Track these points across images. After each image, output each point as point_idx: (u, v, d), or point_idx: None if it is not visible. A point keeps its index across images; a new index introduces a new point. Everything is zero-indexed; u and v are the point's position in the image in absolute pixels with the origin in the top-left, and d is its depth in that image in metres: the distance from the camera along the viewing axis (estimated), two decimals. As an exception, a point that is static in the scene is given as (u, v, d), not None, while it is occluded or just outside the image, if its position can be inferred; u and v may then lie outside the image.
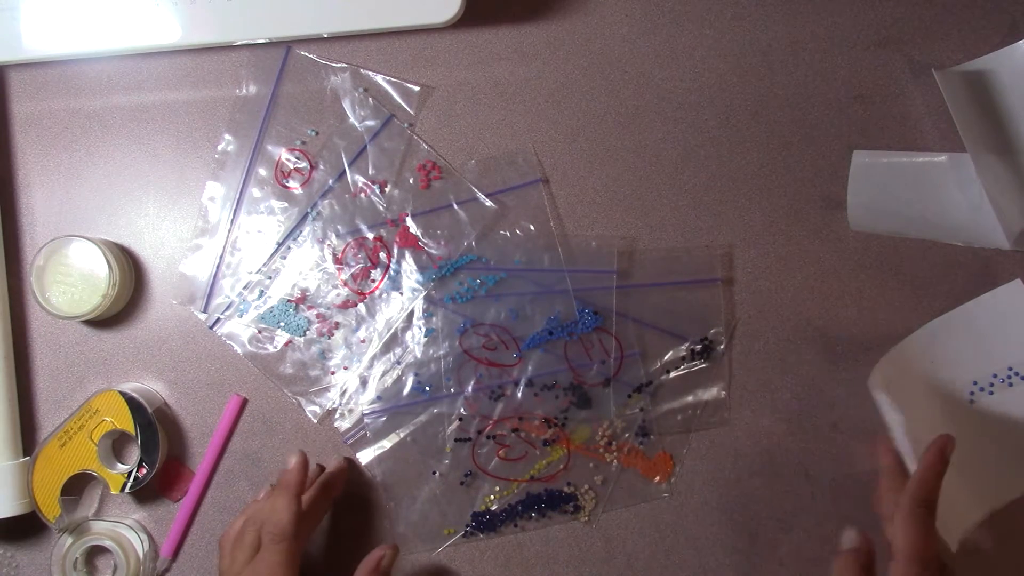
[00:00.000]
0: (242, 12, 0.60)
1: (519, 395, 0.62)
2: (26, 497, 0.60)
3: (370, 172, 0.63)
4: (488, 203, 0.62)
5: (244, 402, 0.63)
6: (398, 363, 0.62)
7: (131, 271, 0.63)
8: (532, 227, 0.62)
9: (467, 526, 0.62)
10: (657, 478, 0.62)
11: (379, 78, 0.63)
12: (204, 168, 0.64)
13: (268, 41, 0.62)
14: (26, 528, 0.63)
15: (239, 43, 0.62)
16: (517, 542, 0.62)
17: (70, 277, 0.61)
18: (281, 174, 0.63)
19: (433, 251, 0.62)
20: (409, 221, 0.62)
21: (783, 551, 0.61)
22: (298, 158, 0.63)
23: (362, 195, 0.63)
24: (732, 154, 0.63)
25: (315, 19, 0.60)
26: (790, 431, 0.62)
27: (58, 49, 0.61)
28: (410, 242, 0.62)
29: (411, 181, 0.63)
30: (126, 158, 0.64)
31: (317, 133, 0.63)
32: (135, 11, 0.60)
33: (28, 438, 0.63)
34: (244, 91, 0.64)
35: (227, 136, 0.63)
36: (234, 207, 0.63)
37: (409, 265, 0.62)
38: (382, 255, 0.62)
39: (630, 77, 0.64)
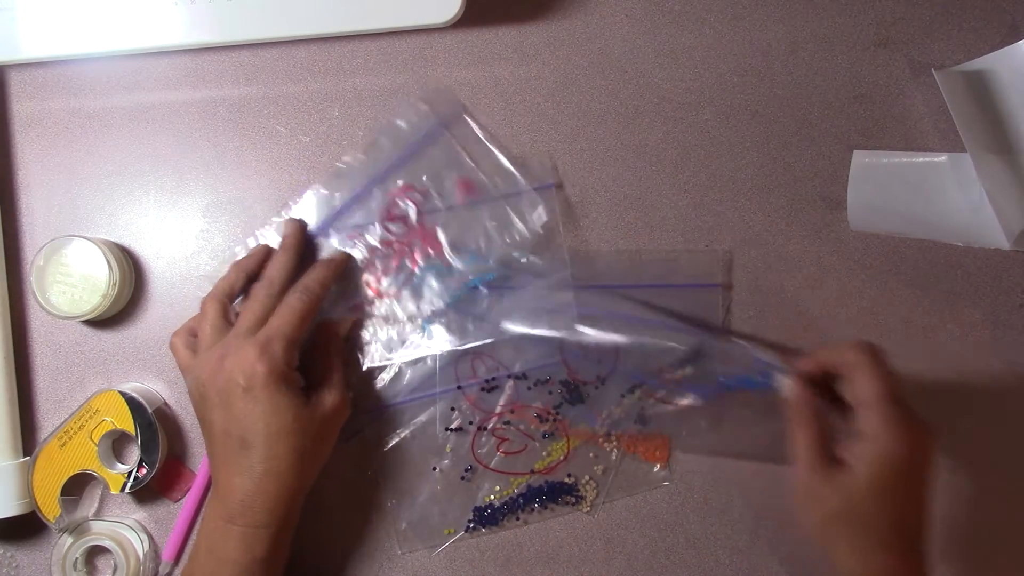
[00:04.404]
0: (242, 12, 0.60)
1: (515, 389, 0.62)
2: (26, 497, 0.60)
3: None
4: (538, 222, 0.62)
5: (244, 402, 0.63)
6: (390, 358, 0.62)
7: (131, 271, 0.63)
8: (541, 231, 0.62)
9: (469, 521, 0.62)
10: (657, 466, 0.62)
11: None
12: (204, 168, 0.64)
13: (268, 41, 0.62)
14: (26, 528, 0.63)
15: (239, 43, 0.62)
16: (517, 542, 0.62)
17: (70, 277, 0.61)
18: (388, 214, 0.62)
19: (458, 266, 0.61)
20: (440, 233, 0.62)
21: (783, 551, 0.61)
22: (407, 204, 0.62)
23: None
24: (732, 154, 0.63)
25: (315, 19, 0.60)
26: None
27: (58, 49, 0.61)
28: (434, 248, 0.62)
29: (452, 193, 0.62)
30: (126, 158, 0.64)
31: (440, 196, 0.62)
32: (135, 11, 0.60)
33: (28, 438, 0.63)
34: (399, 123, 0.62)
35: (360, 156, 0.62)
36: (324, 221, 0.62)
37: (430, 276, 0.62)
38: (406, 261, 0.62)
39: (630, 77, 0.64)
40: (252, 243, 0.63)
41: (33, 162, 0.64)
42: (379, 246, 0.62)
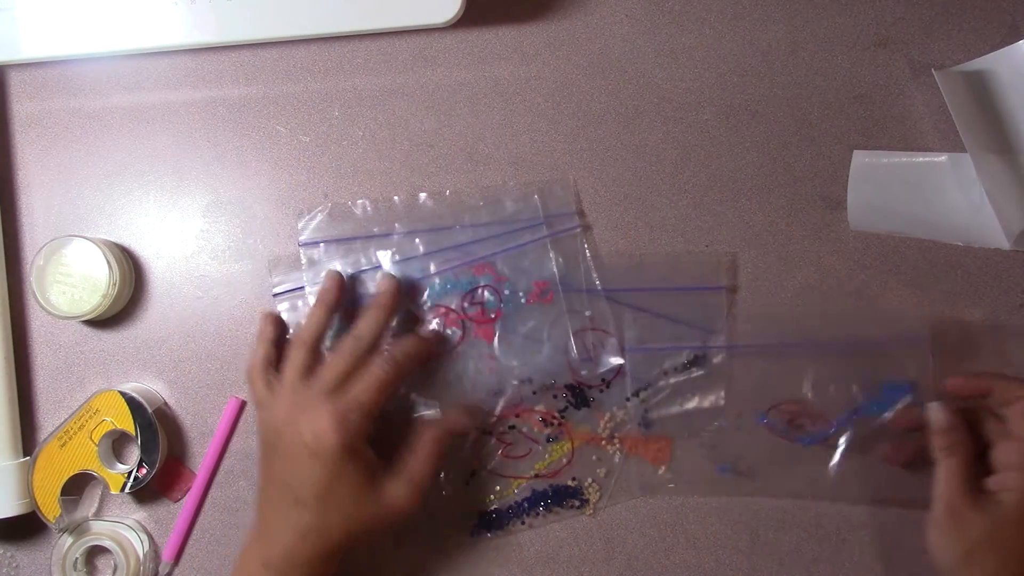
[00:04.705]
0: (242, 12, 0.60)
1: (519, 393, 0.62)
2: (26, 497, 0.60)
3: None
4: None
5: (243, 404, 0.63)
6: None
7: (131, 271, 0.63)
8: (562, 259, 0.62)
9: (474, 525, 0.62)
10: (662, 468, 0.62)
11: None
12: (204, 168, 0.64)
13: (268, 41, 0.62)
14: (26, 528, 0.63)
15: (239, 43, 0.62)
16: (516, 542, 0.62)
17: (70, 277, 0.61)
18: (468, 293, 0.62)
19: (501, 363, 0.61)
20: (496, 329, 0.62)
21: (783, 551, 0.61)
22: (485, 291, 0.62)
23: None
24: (732, 154, 0.63)
25: (315, 19, 0.60)
26: (790, 431, 0.62)
27: (58, 49, 0.61)
28: (486, 338, 0.62)
29: (527, 290, 0.62)
30: (126, 158, 0.64)
31: (512, 289, 0.62)
32: (135, 11, 0.60)
33: (28, 438, 0.63)
34: (506, 202, 0.62)
35: (447, 204, 0.62)
36: (401, 263, 0.62)
37: (469, 363, 0.62)
38: (454, 331, 0.62)
39: (630, 77, 0.64)
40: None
41: (33, 162, 0.64)
42: (432, 313, 0.62)
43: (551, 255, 0.62)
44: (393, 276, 0.61)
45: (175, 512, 0.63)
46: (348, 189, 0.64)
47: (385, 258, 0.62)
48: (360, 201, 0.63)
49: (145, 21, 0.60)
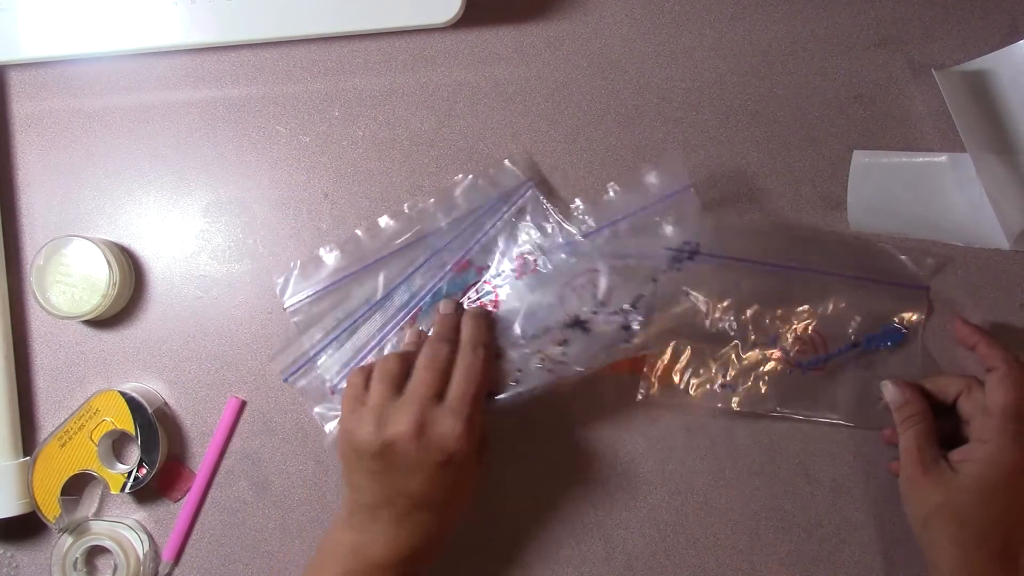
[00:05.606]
0: (242, 12, 0.60)
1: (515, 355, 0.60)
2: (26, 497, 0.60)
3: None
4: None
5: (243, 404, 0.63)
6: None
7: (131, 271, 0.63)
8: (533, 229, 0.62)
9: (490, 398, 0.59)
10: (656, 385, 0.61)
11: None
12: (204, 168, 0.64)
13: (268, 41, 0.62)
14: (26, 528, 0.63)
15: (239, 43, 0.62)
16: (516, 541, 0.62)
17: (70, 277, 0.61)
18: (467, 300, 0.61)
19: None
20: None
21: (783, 551, 0.61)
22: (482, 285, 0.61)
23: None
24: (732, 154, 0.63)
25: (315, 19, 0.60)
26: (790, 431, 0.62)
27: (58, 49, 0.61)
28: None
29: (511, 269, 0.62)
30: (126, 158, 0.64)
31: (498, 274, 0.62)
32: (135, 11, 0.60)
33: (28, 438, 0.63)
34: (457, 196, 0.62)
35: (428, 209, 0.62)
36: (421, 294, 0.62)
37: None
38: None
39: (630, 77, 0.64)
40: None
41: (33, 162, 0.64)
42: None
43: (520, 227, 0.62)
44: (454, 300, 0.61)
45: (175, 512, 0.63)
46: (348, 189, 0.64)
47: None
48: (322, 249, 0.62)
49: (145, 21, 0.60)
